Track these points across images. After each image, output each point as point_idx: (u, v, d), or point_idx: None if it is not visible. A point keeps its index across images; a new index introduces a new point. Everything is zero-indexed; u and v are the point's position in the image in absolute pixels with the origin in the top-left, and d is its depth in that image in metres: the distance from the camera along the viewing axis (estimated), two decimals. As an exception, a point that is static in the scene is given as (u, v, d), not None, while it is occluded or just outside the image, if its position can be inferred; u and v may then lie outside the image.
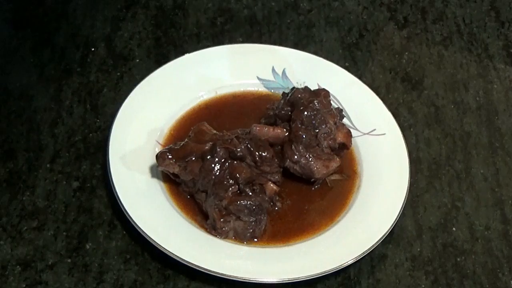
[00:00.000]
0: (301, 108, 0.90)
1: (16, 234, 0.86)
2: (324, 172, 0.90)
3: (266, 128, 0.91)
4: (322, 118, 0.89)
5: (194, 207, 0.88)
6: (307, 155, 0.89)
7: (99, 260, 0.84)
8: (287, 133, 0.90)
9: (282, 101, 0.93)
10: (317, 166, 0.89)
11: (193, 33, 1.09)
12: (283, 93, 0.94)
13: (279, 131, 0.91)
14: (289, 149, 0.90)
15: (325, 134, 0.89)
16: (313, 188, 0.91)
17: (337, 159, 0.91)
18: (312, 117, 0.89)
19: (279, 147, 0.91)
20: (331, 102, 0.93)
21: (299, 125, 0.89)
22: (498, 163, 0.98)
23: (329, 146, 0.90)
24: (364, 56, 1.08)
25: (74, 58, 1.03)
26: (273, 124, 0.92)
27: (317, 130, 0.89)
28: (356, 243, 0.85)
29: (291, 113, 0.91)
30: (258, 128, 0.90)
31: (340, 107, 0.96)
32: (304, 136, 0.89)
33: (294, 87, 0.93)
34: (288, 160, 0.89)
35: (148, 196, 0.87)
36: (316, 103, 0.90)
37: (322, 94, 0.91)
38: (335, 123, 0.91)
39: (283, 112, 0.91)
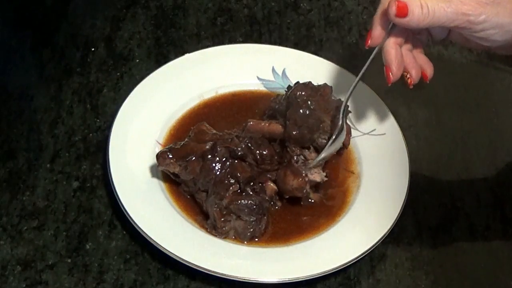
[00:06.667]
0: (296, 107, 0.89)
1: (16, 234, 0.86)
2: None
3: (262, 124, 0.90)
4: (317, 118, 0.89)
5: (194, 207, 0.88)
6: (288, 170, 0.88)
7: (99, 260, 0.84)
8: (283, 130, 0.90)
9: (284, 95, 0.92)
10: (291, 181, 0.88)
11: (193, 33, 1.09)
12: (288, 86, 0.93)
13: (274, 127, 0.90)
14: (286, 152, 0.89)
15: (320, 133, 0.89)
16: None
17: (322, 175, 0.89)
18: (306, 117, 0.88)
19: (278, 142, 0.90)
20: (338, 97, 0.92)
21: (293, 125, 0.88)
22: (498, 163, 0.98)
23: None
24: (364, 56, 1.08)
25: (74, 58, 1.03)
26: (273, 116, 0.92)
27: (312, 131, 0.89)
28: (356, 243, 0.85)
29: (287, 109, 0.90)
30: (252, 123, 0.90)
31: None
32: (298, 136, 0.88)
33: (297, 82, 0.92)
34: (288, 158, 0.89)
35: (148, 196, 0.87)
36: (310, 103, 0.89)
37: (321, 91, 0.90)
38: (332, 122, 0.90)
39: (282, 107, 0.91)
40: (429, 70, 0.87)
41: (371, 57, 0.87)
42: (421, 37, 0.88)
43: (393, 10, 0.81)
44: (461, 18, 0.79)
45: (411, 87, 0.86)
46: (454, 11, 0.79)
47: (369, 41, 0.85)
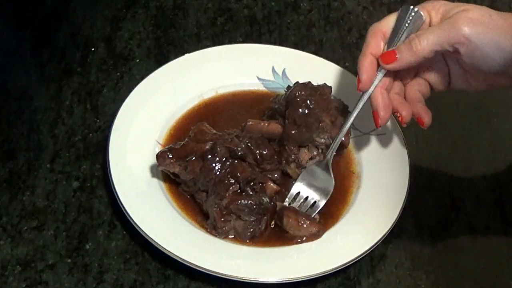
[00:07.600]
0: (295, 107, 0.89)
1: (16, 234, 0.86)
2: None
3: (261, 124, 0.90)
4: (316, 117, 0.89)
5: (194, 207, 0.88)
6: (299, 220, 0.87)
7: (99, 260, 0.84)
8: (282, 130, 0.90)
9: (283, 96, 0.92)
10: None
11: (193, 33, 1.09)
12: (288, 86, 0.93)
13: (273, 127, 0.90)
14: (284, 151, 0.89)
15: (319, 132, 0.89)
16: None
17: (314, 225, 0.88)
18: (305, 116, 0.89)
19: (277, 142, 0.90)
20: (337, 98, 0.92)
21: (292, 124, 0.89)
22: (498, 163, 0.98)
23: (325, 145, 0.90)
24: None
25: (74, 58, 1.03)
26: (273, 117, 0.92)
27: (310, 130, 0.89)
28: (356, 243, 0.85)
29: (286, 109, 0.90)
30: (251, 123, 0.90)
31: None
32: (296, 136, 0.88)
33: (297, 82, 0.92)
34: (284, 162, 0.89)
35: (148, 196, 0.87)
36: (309, 102, 0.89)
37: (320, 91, 0.90)
38: (332, 122, 0.90)
39: (281, 107, 0.91)
40: (426, 118, 0.87)
41: (362, 103, 0.87)
42: (421, 88, 0.88)
43: (381, 61, 0.84)
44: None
45: (405, 125, 0.88)
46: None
47: (359, 86, 0.85)
